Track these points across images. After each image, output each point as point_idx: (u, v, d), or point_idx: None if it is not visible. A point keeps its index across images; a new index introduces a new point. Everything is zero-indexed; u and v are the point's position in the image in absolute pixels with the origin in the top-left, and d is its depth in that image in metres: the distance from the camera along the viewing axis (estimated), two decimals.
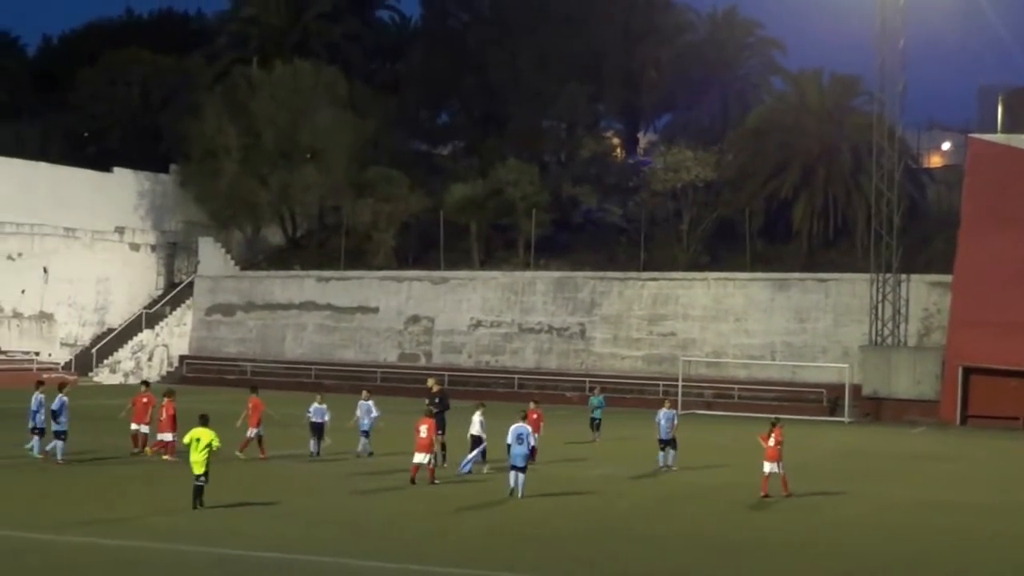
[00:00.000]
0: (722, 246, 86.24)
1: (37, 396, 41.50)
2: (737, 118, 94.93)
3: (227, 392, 76.32)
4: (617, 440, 52.66)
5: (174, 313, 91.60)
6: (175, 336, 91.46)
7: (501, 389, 77.98)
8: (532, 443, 36.48)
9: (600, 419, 53.72)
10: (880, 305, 76.12)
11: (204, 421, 32.12)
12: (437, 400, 41.15)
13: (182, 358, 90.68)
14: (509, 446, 35.69)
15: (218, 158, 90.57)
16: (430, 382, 43.78)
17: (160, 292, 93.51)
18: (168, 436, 41.06)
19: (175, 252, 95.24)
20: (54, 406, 39.87)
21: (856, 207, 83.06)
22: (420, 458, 36.69)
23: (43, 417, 40.97)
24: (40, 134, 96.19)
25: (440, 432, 39.56)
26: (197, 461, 31.11)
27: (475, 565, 25.39)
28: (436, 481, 36.85)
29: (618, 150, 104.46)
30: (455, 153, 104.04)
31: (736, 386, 77.73)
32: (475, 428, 39.94)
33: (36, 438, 41.03)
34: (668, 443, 43.02)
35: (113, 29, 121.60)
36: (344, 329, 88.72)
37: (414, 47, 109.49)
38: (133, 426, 43.12)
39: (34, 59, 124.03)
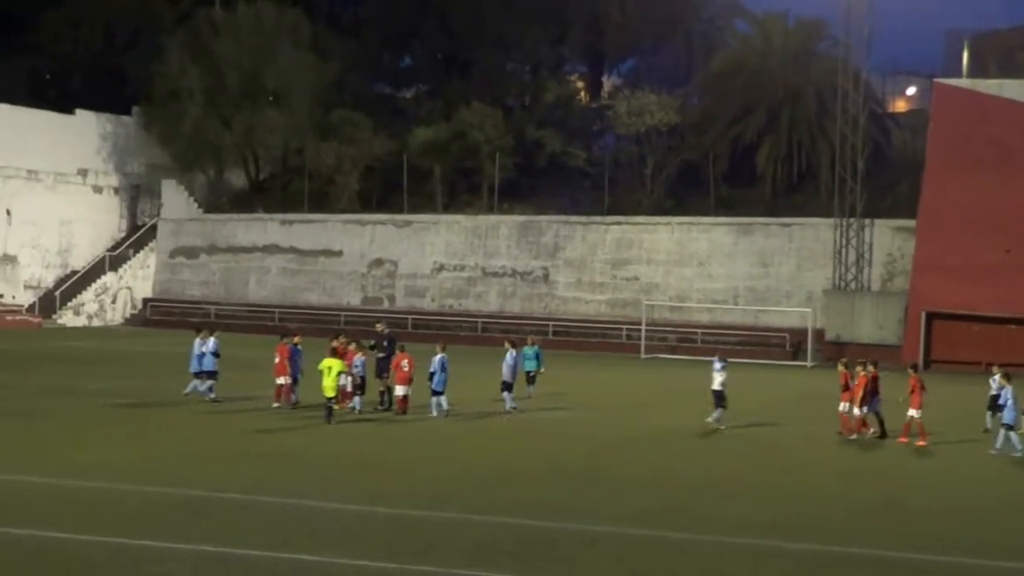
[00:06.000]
0: (686, 190, 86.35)
1: (197, 341, 42.50)
2: (701, 62, 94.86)
3: (191, 335, 76.19)
4: (576, 383, 52.35)
5: (137, 256, 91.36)
6: (139, 279, 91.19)
7: (464, 333, 78.05)
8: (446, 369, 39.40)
9: (534, 372, 45.86)
10: (844, 250, 76.36)
11: (333, 353, 38.05)
12: (385, 343, 42.25)
13: (146, 301, 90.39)
14: (433, 374, 39.20)
15: (181, 100, 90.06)
16: (379, 326, 44.71)
17: (123, 235, 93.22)
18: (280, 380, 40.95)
19: (138, 195, 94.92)
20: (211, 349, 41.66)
21: (820, 151, 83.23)
22: (401, 390, 39.87)
23: (205, 361, 41.78)
24: (2, 76, 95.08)
25: (384, 375, 41.47)
26: (328, 386, 36.54)
27: (446, 508, 25.34)
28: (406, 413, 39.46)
29: (582, 94, 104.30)
30: (418, 96, 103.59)
31: (699, 330, 77.90)
32: (716, 383, 39.26)
33: (197, 382, 41.86)
34: None
35: None
36: (308, 272, 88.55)
37: None
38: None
39: None
